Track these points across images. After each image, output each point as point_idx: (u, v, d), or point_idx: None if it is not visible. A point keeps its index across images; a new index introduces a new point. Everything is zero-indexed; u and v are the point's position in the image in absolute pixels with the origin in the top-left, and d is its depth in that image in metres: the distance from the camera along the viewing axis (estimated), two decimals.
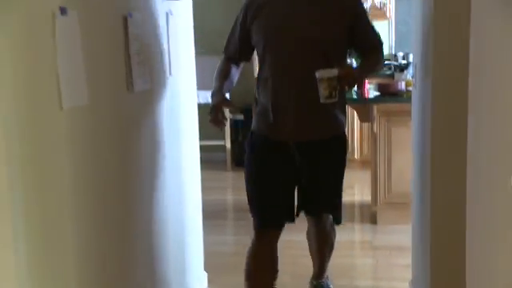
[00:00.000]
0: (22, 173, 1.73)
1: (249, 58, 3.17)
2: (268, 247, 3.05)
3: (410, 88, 4.20)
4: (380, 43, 3.10)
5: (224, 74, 3.07)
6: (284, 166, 2.98)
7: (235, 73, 3.14)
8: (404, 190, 4.41)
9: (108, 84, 2.38)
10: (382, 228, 4.88)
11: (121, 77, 2.52)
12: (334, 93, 2.66)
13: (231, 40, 3.11)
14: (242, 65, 3.19)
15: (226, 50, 3.14)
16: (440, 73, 2.69)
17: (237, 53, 3.10)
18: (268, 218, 3.03)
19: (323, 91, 2.66)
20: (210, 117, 2.90)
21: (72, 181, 2.05)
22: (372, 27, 3.06)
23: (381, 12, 6.34)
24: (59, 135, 1.97)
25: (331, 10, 2.89)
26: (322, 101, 2.68)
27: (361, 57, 3.12)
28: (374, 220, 4.99)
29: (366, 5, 6.25)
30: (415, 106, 3.50)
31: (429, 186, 2.84)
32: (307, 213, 3.21)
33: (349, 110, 6.18)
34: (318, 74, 2.66)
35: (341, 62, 2.87)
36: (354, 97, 5.07)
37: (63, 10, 1.94)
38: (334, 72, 2.66)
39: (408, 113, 3.89)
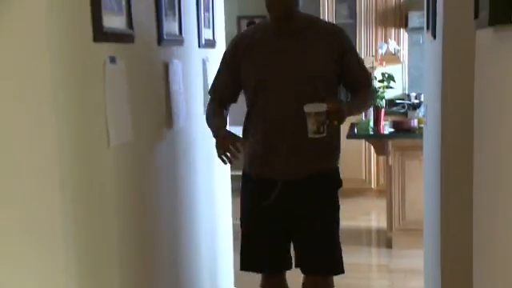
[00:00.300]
0: (73, 202, 1.75)
1: (235, 99, 2.79)
2: (278, 284, 2.84)
3: (422, 125, 4.19)
4: (369, 81, 2.82)
5: (218, 114, 2.74)
6: (276, 210, 2.66)
7: (226, 115, 2.80)
8: (417, 218, 4.35)
9: (150, 122, 2.41)
10: (397, 252, 4.82)
11: (161, 116, 2.55)
12: (322, 128, 2.40)
13: (218, 80, 2.78)
14: (229, 108, 2.82)
15: (213, 91, 2.80)
16: (448, 112, 2.68)
17: (223, 92, 2.76)
18: (268, 266, 2.80)
19: (311, 126, 2.40)
20: (220, 151, 2.56)
21: (116, 208, 2.07)
22: (361, 65, 2.77)
23: (395, 57, 6.33)
24: (106, 169, 1.99)
25: (319, 47, 2.61)
26: (309, 135, 2.42)
27: (350, 94, 2.80)
28: (389, 245, 4.93)
29: (382, 51, 6.25)
30: (426, 141, 3.48)
31: (439, 214, 2.81)
32: (305, 272, 2.80)
33: (366, 144, 6.17)
34: (306, 109, 2.41)
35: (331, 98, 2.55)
36: (371, 133, 5.06)
37: (112, 59, 1.98)
38: (323, 107, 2.40)
39: (420, 147, 3.87)
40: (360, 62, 2.76)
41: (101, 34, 1.86)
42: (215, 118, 2.71)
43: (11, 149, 1.66)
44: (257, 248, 2.75)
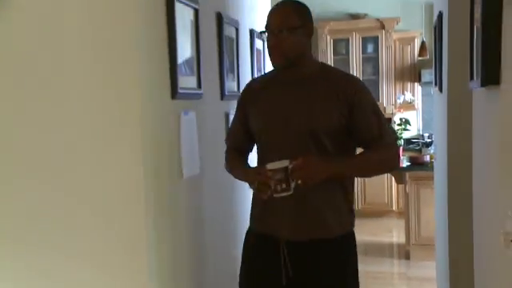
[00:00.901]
0: (154, 221, 1.79)
1: (251, 148, 2.05)
2: None
3: (433, 160, 4.11)
4: (382, 136, 1.83)
5: (240, 159, 2.03)
6: (278, 272, 1.86)
7: (246, 161, 2.06)
8: (430, 235, 4.25)
9: (213, 159, 2.44)
10: (414, 263, 4.68)
11: (222, 154, 2.58)
12: (279, 186, 1.70)
13: (232, 129, 2.08)
14: (248, 157, 2.06)
15: (229, 140, 2.09)
16: (452, 150, 2.65)
17: (238, 141, 2.04)
18: None
19: (271, 184, 1.72)
20: (254, 185, 1.79)
21: (186, 225, 2.10)
22: (378, 120, 1.84)
23: (411, 105, 6.30)
24: (179, 196, 2.03)
25: (327, 98, 1.81)
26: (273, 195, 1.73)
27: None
28: (407, 256, 4.80)
29: (400, 100, 6.19)
30: (437, 173, 3.42)
31: (447, 232, 2.76)
32: None
33: (388, 175, 6.07)
34: (267, 166, 1.74)
35: (338, 152, 1.82)
36: None
37: (186, 112, 2.04)
38: (283, 163, 1.70)
39: (432, 178, 3.80)
40: (376, 117, 1.85)
41: (177, 93, 1.93)
42: (238, 163, 2.02)
43: (108, 180, 1.72)
44: None
